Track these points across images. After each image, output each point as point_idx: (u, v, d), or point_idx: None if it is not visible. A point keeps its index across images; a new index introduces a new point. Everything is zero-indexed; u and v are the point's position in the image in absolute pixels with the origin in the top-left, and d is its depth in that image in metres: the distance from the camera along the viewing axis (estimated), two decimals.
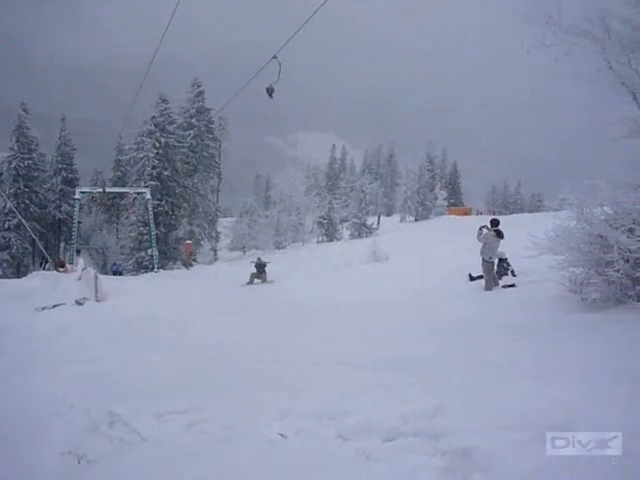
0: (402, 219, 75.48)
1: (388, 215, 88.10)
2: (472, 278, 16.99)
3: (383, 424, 4.01)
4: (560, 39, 10.23)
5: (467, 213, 76.58)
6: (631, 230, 8.92)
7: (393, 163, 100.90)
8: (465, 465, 3.23)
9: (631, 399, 4.10)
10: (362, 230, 54.68)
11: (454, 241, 28.42)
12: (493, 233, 15.70)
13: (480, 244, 15.85)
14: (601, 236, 9.46)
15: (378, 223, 66.80)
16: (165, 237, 49.40)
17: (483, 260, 15.58)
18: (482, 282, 15.73)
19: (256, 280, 25.30)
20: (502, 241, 15.79)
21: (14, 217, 50.51)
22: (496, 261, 15.94)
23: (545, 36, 10.28)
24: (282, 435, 4.26)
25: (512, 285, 15.05)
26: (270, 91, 11.36)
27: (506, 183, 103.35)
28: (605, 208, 9.76)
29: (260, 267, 26.21)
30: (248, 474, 3.75)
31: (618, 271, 9.02)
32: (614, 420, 3.51)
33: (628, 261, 8.96)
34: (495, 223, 16.11)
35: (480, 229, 16.06)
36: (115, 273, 42.49)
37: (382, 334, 9.81)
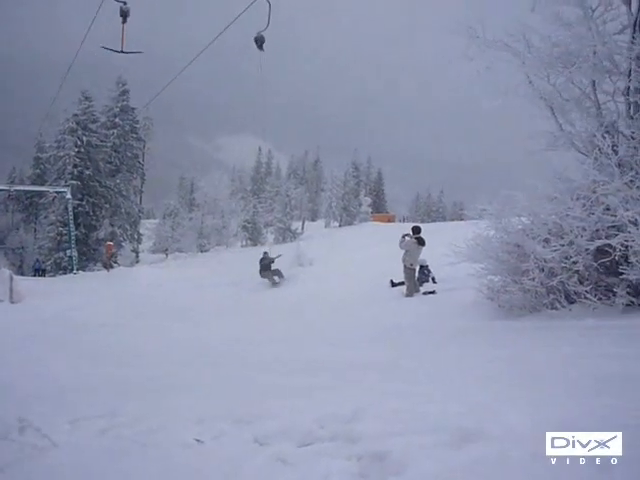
0: (327, 225, 75.85)
1: (313, 220, 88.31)
2: (394, 284, 17.18)
3: (300, 428, 4.00)
4: (483, 52, 10.49)
5: (390, 220, 77.47)
6: (547, 240, 9.18)
7: (319, 168, 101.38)
8: (379, 469, 3.25)
9: (533, 400, 4.21)
10: (287, 235, 54.80)
11: (377, 247, 28.70)
12: (414, 240, 15.94)
13: (402, 251, 16.05)
14: (518, 245, 9.73)
15: (302, 228, 67.00)
16: (85, 238, 48.38)
17: (405, 267, 15.79)
18: (404, 288, 15.93)
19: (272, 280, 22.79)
20: (424, 248, 16.04)
21: None
22: (417, 268, 16.18)
23: (469, 48, 10.52)
24: (198, 440, 4.21)
25: (432, 292, 15.29)
26: (260, 41, 10.00)
27: (429, 191, 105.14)
28: (522, 218, 10.03)
29: (266, 265, 22.92)
30: None
31: (533, 280, 9.29)
32: (517, 420, 3.60)
33: (543, 270, 9.23)
34: (417, 230, 16.36)
35: (403, 237, 16.28)
36: (37, 271, 42.43)
37: (301, 338, 9.85)
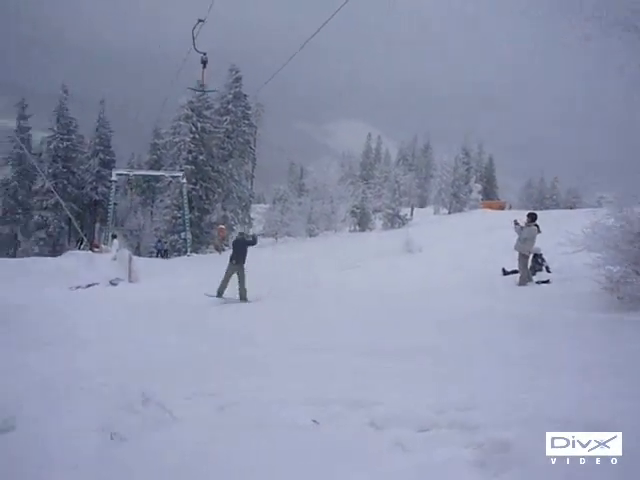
0: (435, 211, 75.16)
1: (421, 207, 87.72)
2: (506, 272, 16.81)
3: (416, 414, 4.02)
4: (605, 33, 10.06)
5: (501, 207, 75.76)
6: None
7: (428, 155, 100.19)
8: (501, 458, 3.22)
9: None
10: (395, 221, 54.51)
11: (488, 235, 28.17)
12: (531, 227, 15.54)
13: (515, 238, 15.71)
14: None
15: (411, 214, 66.59)
16: (199, 221, 49.78)
17: (519, 254, 15.43)
18: (516, 277, 15.60)
19: None
20: (538, 236, 15.64)
21: (52, 197, 51.18)
22: (531, 257, 15.80)
23: (584, 30, 10.11)
24: (315, 421, 4.28)
25: (546, 281, 14.91)
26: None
27: (542, 177, 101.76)
28: None
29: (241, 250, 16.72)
30: (282, 460, 3.78)
31: None
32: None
33: None
34: (532, 217, 15.91)
35: (515, 223, 15.90)
36: (159, 251, 42.11)
37: (410, 324, 9.78)
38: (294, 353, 7.63)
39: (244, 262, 15.92)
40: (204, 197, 50.74)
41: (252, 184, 59.46)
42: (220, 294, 15.44)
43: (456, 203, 68.74)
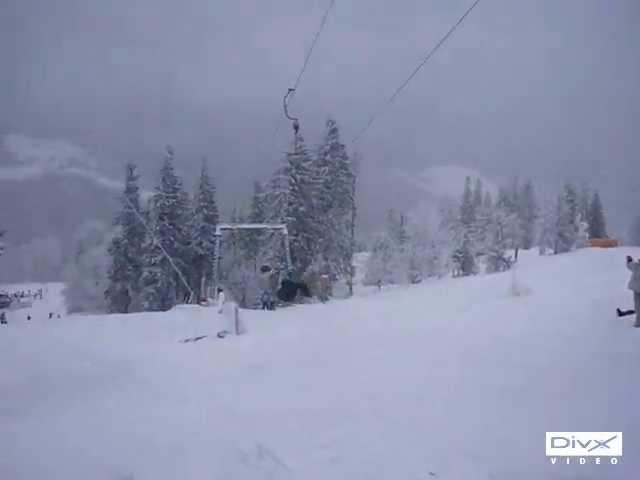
0: (541, 252, 73.30)
1: (526, 248, 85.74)
2: (621, 313, 16.07)
3: (541, 469, 3.83)
4: None
5: (611, 245, 73.32)
6: None
7: (530, 194, 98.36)
8: None
9: None
10: (499, 264, 53.49)
11: (598, 274, 27.21)
12: None
13: (628, 277, 15.07)
14: None
15: (516, 256, 65.20)
16: (301, 272, 50.21)
17: (635, 293, 14.77)
18: (633, 317, 14.91)
19: None
20: None
21: (160, 253, 53.06)
22: None
23: None
24: (432, 474, 4.16)
25: None
26: None
27: None
28: None
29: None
30: None
31: None
32: None
33: None
34: None
35: (629, 260, 15.26)
36: (265, 303, 40.86)
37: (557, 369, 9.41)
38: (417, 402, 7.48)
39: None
40: (306, 247, 51.28)
41: (353, 233, 59.73)
42: None
43: (562, 242, 66.99)
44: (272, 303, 39.39)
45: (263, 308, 40.31)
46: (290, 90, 16.52)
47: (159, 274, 56.24)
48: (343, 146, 56.28)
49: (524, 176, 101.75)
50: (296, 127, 18.02)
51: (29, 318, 58.63)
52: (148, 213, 60.15)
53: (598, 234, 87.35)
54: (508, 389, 7.75)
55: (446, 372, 9.98)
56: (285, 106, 16.76)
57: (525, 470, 3.84)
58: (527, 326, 15.97)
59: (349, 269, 56.22)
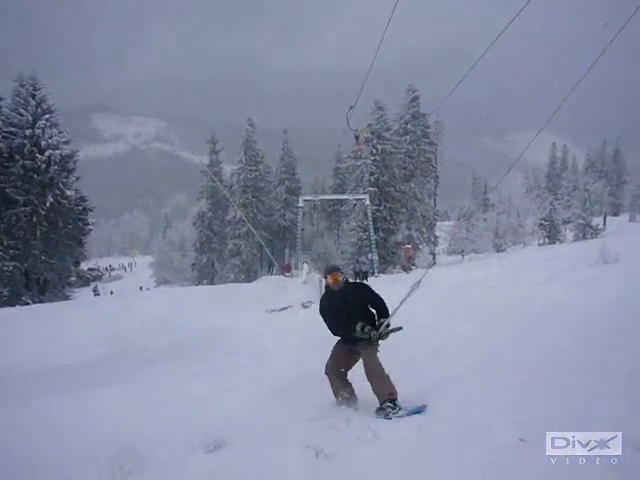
0: (631, 218, 70.98)
1: (615, 215, 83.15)
2: None
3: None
4: None
5: None
6: None
7: (619, 160, 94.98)
8: None
9: None
10: (587, 231, 52.03)
11: None
12: None
13: None
14: None
15: (604, 224, 63.33)
16: (384, 242, 50.13)
17: None
18: None
19: None
20: None
21: (244, 225, 54.03)
22: None
23: None
24: (522, 440, 4.13)
25: None
26: None
27: None
28: None
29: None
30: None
31: None
32: None
33: None
34: None
35: None
36: (358, 273, 38.02)
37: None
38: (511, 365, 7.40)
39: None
40: (388, 218, 51.08)
41: (435, 202, 59.10)
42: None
43: None
44: (365, 273, 37.83)
45: (355, 279, 38.15)
46: (351, 107, 17.04)
47: (243, 246, 57.21)
48: (424, 114, 55.54)
49: (613, 141, 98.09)
50: (356, 137, 18.57)
51: (112, 293, 60.10)
52: (231, 186, 60.97)
53: None
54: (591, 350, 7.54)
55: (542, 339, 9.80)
56: (347, 120, 17.56)
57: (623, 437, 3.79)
58: (617, 295, 15.45)
59: (432, 238, 55.79)
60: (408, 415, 5.71)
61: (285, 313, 19.78)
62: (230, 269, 58.01)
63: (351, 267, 41.75)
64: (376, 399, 6.13)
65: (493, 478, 3.70)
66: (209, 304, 20.86)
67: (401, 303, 6.60)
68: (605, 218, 69.90)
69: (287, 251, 63.34)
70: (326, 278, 6.92)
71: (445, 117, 59.41)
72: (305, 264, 31.07)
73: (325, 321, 7.03)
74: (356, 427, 5.40)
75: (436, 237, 56.85)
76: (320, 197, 54.86)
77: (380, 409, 5.98)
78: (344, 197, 53.76)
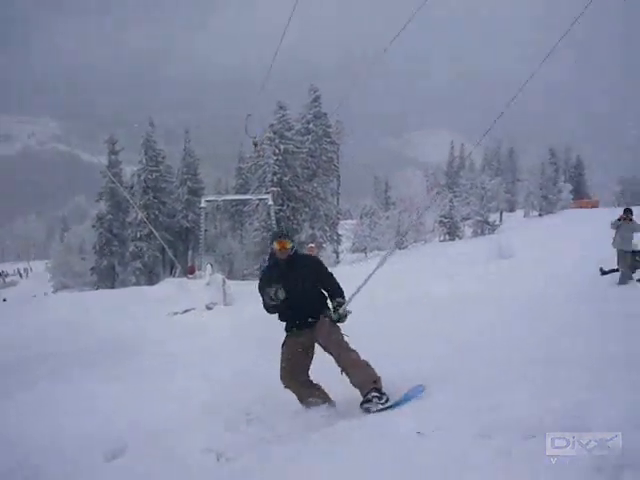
0: (526, 214, 73.83)
1: (511, 211, 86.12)
2: (604, 272, 16.25)
3: (525, 421, 3.90)
4: None
5: (594, 205, 74.02)
6: None
7: (514, 158, 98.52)
8: (616, 463, 3.09)
9: None
10: (485, 227, 53.76)
11: (582, 234, 27.43)
12: (628, 223, 15.04)
13: (613, 236, 15.22)
14: None
15: (501, 220, 65.56)
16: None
17: (619, 252, 14.96)
18: (615, 276, 15.09)
19: None
20: (636, 233, 15.12)
21: (145, 227, 52.83)
22: (630, 253, 15.24)
23: None
24: (419, 433, 4.21)
25: None
26: None
27: (635, 174, 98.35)
28: None
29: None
30: (384, 473, 3.75)
31: None
32: None
33: None
34: (628, 212, 15.39)
35: (619, 219, 15.38)
36: None
37: (525, 326, 9.49)
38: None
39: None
40: (292, 217, 51.25)
41: (338, 201, 59.74)
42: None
43: (546, 205, 67.47)
44: None
45: None
46: (248, 115, 17.71)
47: (145, 248, 56.06)
48: (326, 114, 56.01)
49: (508, 140, 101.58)
50: (255, 144, 19.22)
51: (4, 300, 57.35)
52: (132, 187, 59.62)
53: (581, 196, 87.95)
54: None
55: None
56: (246, 127, 18.17)
57: (513, 422, 3.92)
58: (508, 289, 16.05)
59: (335, 237, 56.34)
60: (403, 404, 5.11)
61: (189, 315, 19.54)
62: (132, 272, 56.70)
63: (259, 265, 41.71)
64: (357, 393, 5.37)
65: (391, 471, 3.75)
66: (110, 308, 20.37)
67: (358, 290, 6.30)
68: (501, 214, 72.22)
69: (190, 253, 62.61)
70: (272, 244, 5.99)
71: (346, 117, 60.16)
72: (209, 265, 30.68)
73: (268, 300, 5.88)
74: (258, 427, 5.41)
75: (339, 236, 57.47)
76: (223, 197, 54.37)
77: (366, 401, 5.17)
78: (247, 197, 53.58)
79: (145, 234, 55.09)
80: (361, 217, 62.47)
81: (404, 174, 62.11)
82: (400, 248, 51.53)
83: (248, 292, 25.05)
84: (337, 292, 5.90)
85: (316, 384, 5.92)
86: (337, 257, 55.82)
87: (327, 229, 54.87)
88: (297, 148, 52.99)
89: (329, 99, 57.00)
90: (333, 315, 5.71)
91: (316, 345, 5.89)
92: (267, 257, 25.21)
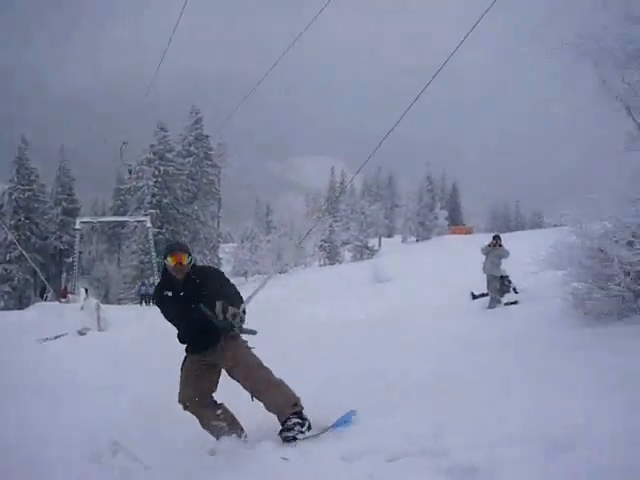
0: (403, 240, 75.74)
1: (389, 236, 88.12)
2: (474, 297, 16.85)
3: (387, 445, 3.92)
4: (553, 56, 10.24)
5: (468, 232, 76.87)
6: (630, 243, 8.85)
7: (393, 185, 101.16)
8: None
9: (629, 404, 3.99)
10: (364, 252, 54.76)
11: (456, 259, 28.31)
12: (496, 248, 15.63)
13: (483, 261, 15.77)
14: (601, 250, 9.39)
15: (379, 245, 66.94)
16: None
17: (488, 276, 15.50)
18: (485, 300, 15.62)
19: None
20: (504, 259, 15.72)
21: (15, 249, 50.55)
22: (499, 278, 15.84)
23: (538, 52, 10.31)
24: (284, 458, 4.15)
25: (514, 302, 14.92)
26: None
27: (506, 202, 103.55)
28: (604, 222, 9.69)
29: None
30: None
31: (619, 285, 8.94)
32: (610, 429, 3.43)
33: (629, 274, 8.88)
34: (497, 239, 16.02)
35: (489, 245, 15.96)
36: (144, 296, 36.27)
37: (388, 350, 9.66)
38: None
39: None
40: (171, 240, 50.45)
41: (219, 224, 59.39)
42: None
43: (423, 230, 69.49)
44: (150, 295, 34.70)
45: (141, 303, 36.38)
46: (124, 143, 17.24)
47: (15, 271, 53.69)
48: (207, 136, 55.79)
49: (387, 167, 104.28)
50: (130, 171, 18.52)
51: None
52: (1, 207, 57.14)
53: (456, 222, 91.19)
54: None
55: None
56: (121, 154, 17.65)
57: (377, 447, 3.93)
58: (383, 313, 16.38)
59: (216, 260, 55.90)
60: (333, 429, 4.56)
61: (60, 341, 18.76)
62: (0, 296, 54.19)
63: (136, 289, 40.58)
64: (273, 417, 4.70)
65: None
66: None
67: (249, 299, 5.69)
68: (380, 239, 73.81)
69: (64, 276, 60.50)
70: (165, 259, 5.15)
71: (230, 139, 60.04)
72: (82, 289, 29.77)
73: (170, 321, 5.18)
74: (123, 458, 5.19)
75: (219, 259, 57.10)
76: (99, 219, 53.09)
77: (287, 429, 4.47)
78: (124, 219, 52.49)
79: (15, 256, 52.70)
80: (242, 241, 62.31)
81: (286, 198, 62.42)
82: (281, 272, 51.70)
83: (124, 317, 24.52)
84: (235, 300, 4.74)
85: (221, 404, 5.04)
86: None
87: (207, 252, 54.39)
88: (178, 170, 52.44)
89: (212, 118, 56.80)
90: (218, 319, 4.61)
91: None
92: (144, 280, 24.34)
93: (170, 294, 5.08)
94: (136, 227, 49.80)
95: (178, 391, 5.07)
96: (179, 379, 5.12)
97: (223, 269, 59.27)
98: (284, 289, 28.53)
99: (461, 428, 3.94)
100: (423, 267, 29.03)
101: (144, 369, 11.35)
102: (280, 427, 4.56)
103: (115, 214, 63.05)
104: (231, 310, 4.61)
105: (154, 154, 50.26)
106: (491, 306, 15.14)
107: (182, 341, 5.12)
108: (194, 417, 5.18)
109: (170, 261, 5.05)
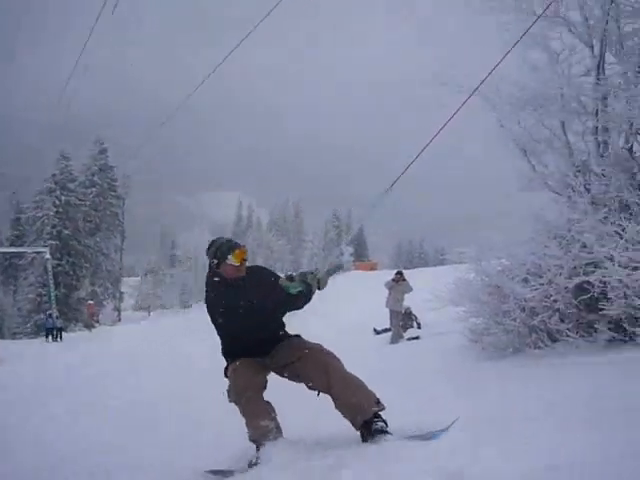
0: None
1: (295, 271, 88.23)
2: (377, 332, 17.09)
3: None
4: (455, 99, 10.58)
5: (373, 268, 77.79)
6: (526, 280, 9.17)
7: (299, 220, 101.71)
8: None
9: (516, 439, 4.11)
10: None
11: (360, 295, 28.62)
12: (399, 284, 15.91)
13: (386, 298, 16.01)
14: (498, 286, 9.71)
15: None
16: (66, 298, 47.86)
17: (391, 312, 15.73)
18: (388, 336, 15.83)
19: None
20: (407, 294, 16.01)
21: None
22: (401, 314, 16.11)
23: (441, 96, 10.66)
24: None
25: (417, 337, 15.20)
26: None
27: (410, 239, 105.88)
28: (501, 260, 10.04)
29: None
30: None
31: (515, 320, 9.23)
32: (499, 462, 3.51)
33: (524, 310, 9.19)
34: (400, 275, 16.33)
35: (393, 280, 16.23)
36: (50, 330, 33.92)
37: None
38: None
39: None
40: (71, 272, 49.04)
41: (122, 257, 58.12)
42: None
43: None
44: (60, 330, 33.83)
45: (47, 336, 34.15)
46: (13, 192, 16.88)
47: None
48: (112, 167, 54.86)
49: (294, 202, 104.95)
50: None
51: None
52: None
53: (362, 258, 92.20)
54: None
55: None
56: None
57: None
58: None
59: (118, 294, 54.66)
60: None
61: None
62: None
63: (42, 322, 38.84)
64: (347, 422, 4.05)
65: None
66: None
67: None
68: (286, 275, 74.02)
69: None
70: (226, 258, 4.15)
71: (136, 174, 59.24)
72: None
73: (226, 329, 4.27)
74: None
75: (122, 293, 55.84)
76: None
77: (374, 431, 3.82)
78: (22, 250, 50.63)
79: None
80: (145, 274, 61.18)
81: (191, 232, 62.00)
82: (185, 307, 51.06)
83: (18, 352, 23.60)
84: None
85: (269, 402, 4.15)
86: (119, 315, 53.98)
87: (109, 286, 53.20)
88: (80, 200, 51.20)
89: (118, 150, 55.96)
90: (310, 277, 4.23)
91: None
92: (50, 312, 23.16)
93: (234, 302, 4.04)
94: (34, 258, 48.13)
95: (230, 386, 4.12)
96: (229, 378, 4.17)
97: (125, 303, 58.11)
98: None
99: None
100: (327, 302, 29.13)
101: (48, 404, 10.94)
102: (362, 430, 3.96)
103: (12, 245, 60.74)
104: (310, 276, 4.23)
105: (55, 183, 48.95)
106: (393, 341, 15.38)
107: (239, 349, 4.24)
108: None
109: (233, 259, 4.13)
